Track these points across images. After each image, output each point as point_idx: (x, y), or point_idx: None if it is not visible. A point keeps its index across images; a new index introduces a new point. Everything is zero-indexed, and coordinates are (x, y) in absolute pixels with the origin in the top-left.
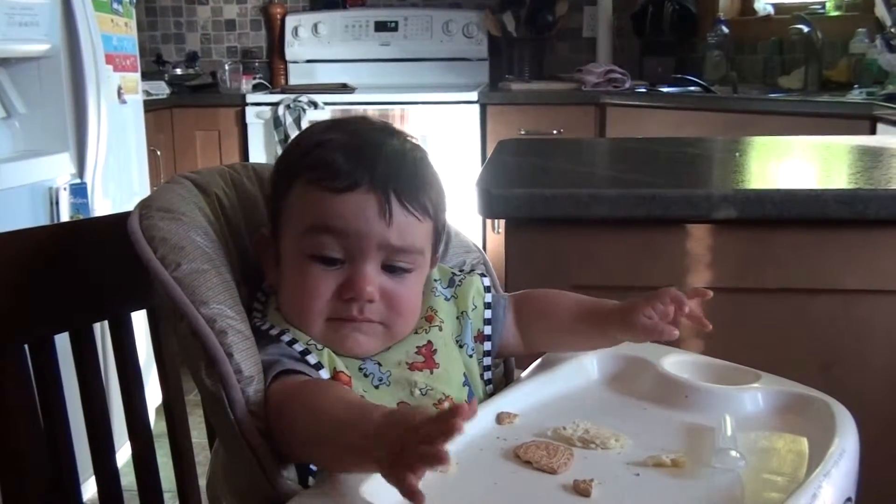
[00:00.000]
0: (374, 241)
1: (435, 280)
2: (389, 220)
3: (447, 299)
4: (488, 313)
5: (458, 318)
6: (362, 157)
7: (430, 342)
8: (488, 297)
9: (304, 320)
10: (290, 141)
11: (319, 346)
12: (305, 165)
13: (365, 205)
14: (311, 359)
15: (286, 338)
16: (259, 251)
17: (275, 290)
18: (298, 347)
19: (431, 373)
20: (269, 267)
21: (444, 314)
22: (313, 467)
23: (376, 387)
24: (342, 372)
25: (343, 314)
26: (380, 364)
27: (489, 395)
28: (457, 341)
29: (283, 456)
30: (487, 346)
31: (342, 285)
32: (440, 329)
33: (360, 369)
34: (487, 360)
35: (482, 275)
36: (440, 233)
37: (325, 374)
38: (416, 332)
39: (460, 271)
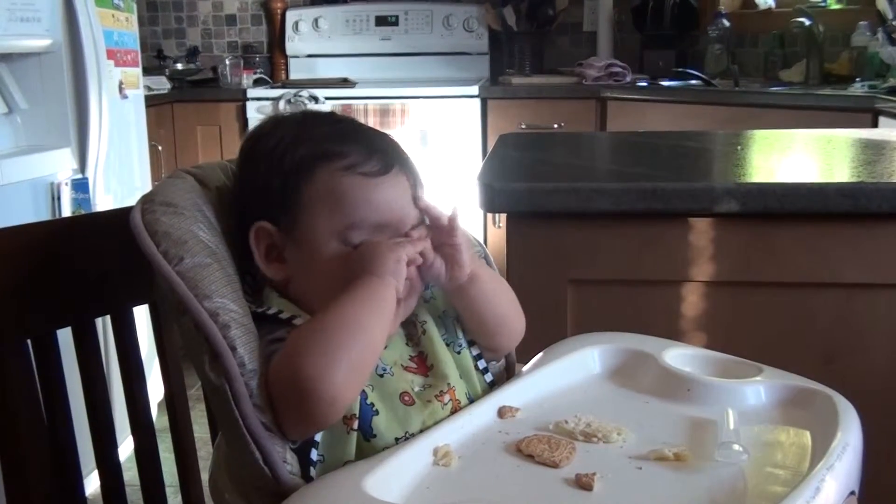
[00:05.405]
0: (410, 223)
1: None
2: (416, 200)
3: (426, 300)
4: None
5: (439, 317)
6: (367, 138)
7: (421, 352)
8: None
9: None
10: (264, 135)
11: None
12: (324, 153)
13: (401, 188)
14: None
15: (298, 322)
16: (257, 245)
17: (274, 284)
18: None
19: (426, 376)
20: (269, 261)
21: (424, 317)
22: (314, 458)
23: (381, 375)
24: None
25: None
26: (380, 357)
27: (490, 389)
28: (444, 340)
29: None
30: None
31: None
32: (424, 333)
33: None
34: (483, 362)
35: None
36: None
37: None
38: (407, 344)
39: None
